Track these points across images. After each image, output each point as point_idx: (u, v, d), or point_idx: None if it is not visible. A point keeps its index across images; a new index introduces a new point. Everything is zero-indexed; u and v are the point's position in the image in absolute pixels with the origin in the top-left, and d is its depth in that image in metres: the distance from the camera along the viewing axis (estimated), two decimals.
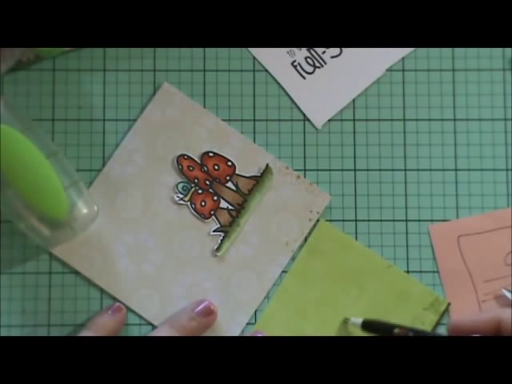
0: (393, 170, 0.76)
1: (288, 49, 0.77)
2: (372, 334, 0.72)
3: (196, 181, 0.75)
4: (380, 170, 0.76)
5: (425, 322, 0.74)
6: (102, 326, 0.72)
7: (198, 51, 0.76)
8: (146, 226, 0.75)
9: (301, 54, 0.77)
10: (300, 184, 0.75)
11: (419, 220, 0.75)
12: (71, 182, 0.71)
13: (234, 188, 0.75)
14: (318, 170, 0.76)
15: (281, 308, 0.74)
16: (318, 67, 0.77)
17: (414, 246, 0.75)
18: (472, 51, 0.77)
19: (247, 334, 0.74)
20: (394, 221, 0.75)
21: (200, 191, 0.75)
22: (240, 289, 0.74)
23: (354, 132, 0.76)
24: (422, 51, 0.77)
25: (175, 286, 0.74)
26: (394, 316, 0.74)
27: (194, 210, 0.75)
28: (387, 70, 0.77)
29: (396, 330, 0.71)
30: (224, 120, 0.76)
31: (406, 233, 0.75)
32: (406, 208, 0.76)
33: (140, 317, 0.74)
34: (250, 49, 0.76)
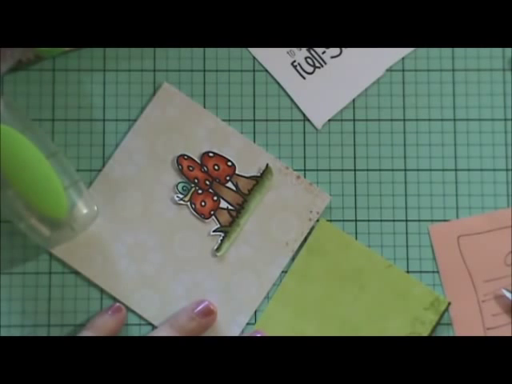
0: (393, 170, 0.76)
1: (288, 49, 0.77)
2: None
3: (196, 181, 0.75)
4: (380, 170, 0.76)
5: (425, 322, 0.74)
6: (101, 327, 0.72)
7: (198, 51, 0.76)
8: (146, 225, 0.75)
9: (301, 54, 0.77)
10: (300, 184, 0.75)
11: (419, 220, 0.75)
12: (71, 182, 0.71)
13: (234, 188, 0.75)
14: (317, 170, 0.76)
15: (281, 308, 0.74)
16: (318, 67, 0.77)
17: (413, 246, 0.75)
18: (472, 51, 0.77)
19: (247, 333, 0.74)
20: (393, 221, 0.75)
21: (200, 191, 0.75)
22: (240, 289, 0.74)
23: (354, 132, 0.76)
24: (422, 51, 0.77)
25: (175, 285, 0.74)
26: (394, 316, 0.74)
27: (194, 210, 0.75)
28: (387, 70, 0.77)
29: None
30: (224, 120, 0.76)
31: (406, 233, 0.75)
32: (406, 208, 0.76)
33: (140, 317, 0.74)
34: (249, 49, 0.76)
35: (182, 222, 0.75)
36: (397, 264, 0.75)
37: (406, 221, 0.75)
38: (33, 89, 0.76)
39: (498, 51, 0.77)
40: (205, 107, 0.76)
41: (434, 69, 0.77)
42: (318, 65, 0.77)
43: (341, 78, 0.77)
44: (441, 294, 0.74)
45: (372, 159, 0.76)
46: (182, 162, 0.75)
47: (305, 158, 0.76)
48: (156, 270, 0.74)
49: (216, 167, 0.75)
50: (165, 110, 0.76)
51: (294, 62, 0.77)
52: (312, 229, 0.75)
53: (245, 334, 0.74)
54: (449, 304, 0.74)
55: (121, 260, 0.74)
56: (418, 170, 0.76)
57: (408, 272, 0.75)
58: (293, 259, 0.75)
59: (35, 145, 0.70)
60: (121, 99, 0.76)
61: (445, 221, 0.76)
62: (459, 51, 0.77)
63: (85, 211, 0.72)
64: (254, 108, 0.76)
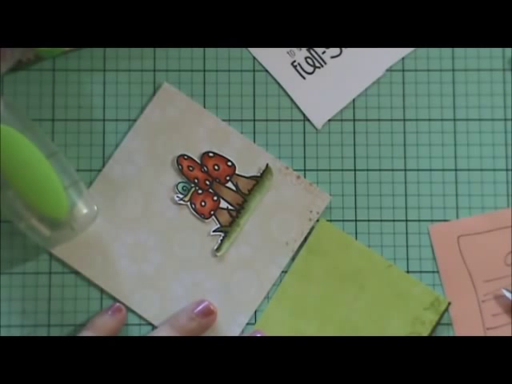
0: (393, 170, 0.76)
1: (288, 49, 0.77)
2: None
3: (196, 181, 0.75)
4: (380, 170, 0.76)
5: (425, 322, 0.74)
6: (101, 327, 0.72)
7: (198, 51, 0.76)
8: (146, 225, 0.75)
9: (301, 54, 0.77)
10: (300, 184, 0.75)
11: (419, 220, 0.75)
12: (71, 181, 0.71)
13: (233, 188, 0.75)
14: (317, 170, 0.76)
15: (281, 308, 0.74)
16: (318, 67, 0.77)
17: (413, 246, 0.75)
18: (472, 51, 0.77)
19: (247, 333, 0.74)
20: (393, 221, 0.75)
21: (200, 191, 0.75)
22: (240, 289, 0.74)
23: (354, 132, 0.76)
24: (422, 51, 0.77)
25: (175, 286, 0.74)
26: (394, 316, 0.74)
27: (194, 210, 0.75)
28: (387, 70, 0.77)
29: None
30: (224, 120, 0.76)
31: (406, 233, 0.75)
32: (406, 208, 0.76)
33: (140, 317, 0.74)
34: (249, 49, 0.76)
35: (182, 222, 0.75)
36: (397, 264, 0.75)
37: (406, 221, 0.75)
38: (33, 89, 0.76)
39: (497, 51, 0.77)
40: (205, 107, 0.76)
41: (433, 69, 0.77)
42: (318, 65, 0.77)
43: (341, 78, 0.77)
44: (441, 294, 0.74)
45: (372, 159, 0.76)
46: (182, 162, 0.75)
47: (305, 158, 0.76)
48: (156, 270, 0.74)
49: (216, 167, 0.75)
50: (165, 110, 0.76)
51: (294, 61, 0.77)
52: (312, 229, 0.75)
53: (245, 334, 0.74)
54: (449, 304, 0.74)
55: (121, 260, 0.74)
56: (418, 170, 0.76)
57: (408, 272, 0.75)
58: (293, 259, 0.75)
59: (35, 145, 0.70)
60: (121, 99, 0.76)
61: (445, 221, 0.76)
62: (459, 51, 0.77)
63: (85, 211, 0.72)
64: (254, 108, 0.76)
